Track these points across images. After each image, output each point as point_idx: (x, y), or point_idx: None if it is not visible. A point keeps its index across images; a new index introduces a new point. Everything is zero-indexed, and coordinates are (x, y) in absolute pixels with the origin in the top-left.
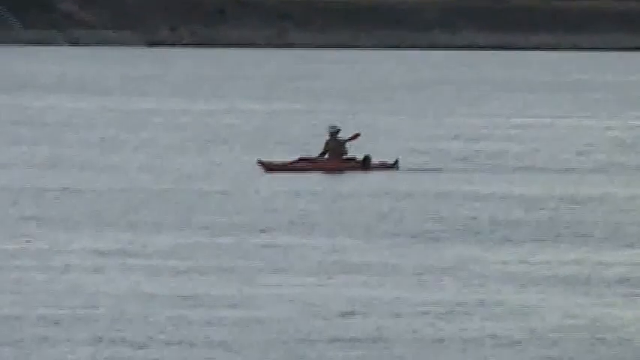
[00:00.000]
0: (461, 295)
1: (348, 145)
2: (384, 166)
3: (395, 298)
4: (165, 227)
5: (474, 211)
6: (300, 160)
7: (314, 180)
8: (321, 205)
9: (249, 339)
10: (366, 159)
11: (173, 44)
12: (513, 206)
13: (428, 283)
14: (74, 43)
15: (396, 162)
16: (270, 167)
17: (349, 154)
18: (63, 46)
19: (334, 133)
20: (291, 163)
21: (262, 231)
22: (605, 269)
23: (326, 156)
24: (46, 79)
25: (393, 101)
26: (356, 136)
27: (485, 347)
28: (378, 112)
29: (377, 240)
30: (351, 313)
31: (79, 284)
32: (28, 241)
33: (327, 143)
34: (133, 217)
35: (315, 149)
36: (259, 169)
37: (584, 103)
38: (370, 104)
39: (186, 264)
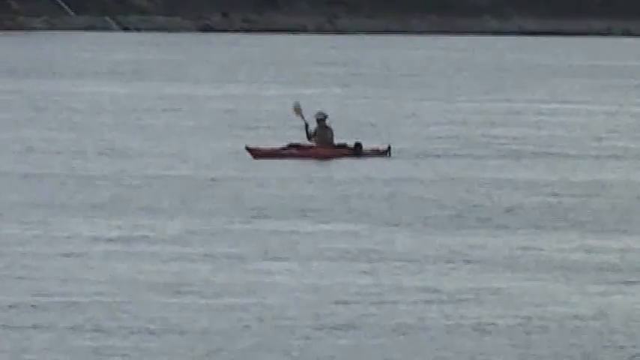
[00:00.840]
0: (462, 283)
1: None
2: (377, 153)
3: (394, 285)
4: (161, 214)
5: (485, 198)
6: (290, 146)
7: (313, 166)
8: (329, 191)
9: (247, 326)
10: (358, 145)
11: (224, 30)
12: (526, 192)
13: (429, 270)
14: (126, 29)
15: (389, 148)
16: (258, 153)
17: (340, 141)
18: (115, 32)
19: (321, 119)
20: (280, 149)
21: (257, 217)
22: (618, 257)
23: (313, 142)
24: (92, 64)
25: (429, 87)
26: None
27: (486, 334)
28: (409, 98)
29: (383, 227)
30: (348, 301)
31: (71, 270)
32: (33, 227)
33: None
34: (130, 204)
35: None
36: (247, 156)
37: (626, 90)
38: (404, 89)
39: (181, 250)
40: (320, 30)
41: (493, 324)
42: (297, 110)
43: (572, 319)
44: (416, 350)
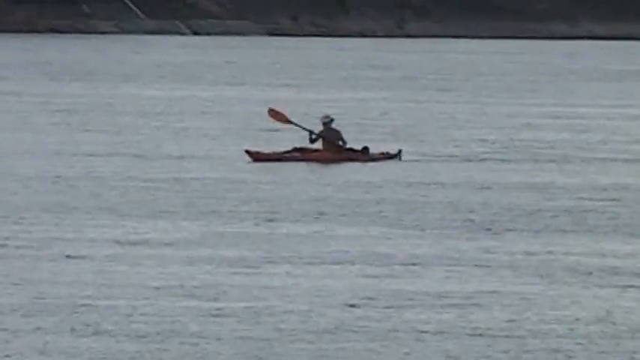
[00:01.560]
0: (472, 287)
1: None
2: (386, 157)
3: (403, 289)
4: (169, 217)
5: (507, 201)
6: (294, 150)
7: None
8: (341, 194)
9: (253, 330)
10: (365, 149)
11: (294, 34)
12: (546, 196)
13: (442, 274)
14: (196, 32)
15: (399, 152)
16: (257, 157)
17: (344, 145)
18: (185, 35)
19: (327, 123)
20: (283, 152)
21: (270, 220)
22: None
23: (319, 146)
24: (152, 68)
25: (479, 90)
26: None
27: (497, 338)
28: (457, 101)
29: (394, 231)
30: (357, 305)
31: (77, 272)
32: (44, 230)
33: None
34: (141, 207)
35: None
36: (247, 159)
37: None
38: (453, 93)
39: (187, 254)
40: (388, 34)
41: (507, 329)
42: (277, 117)
43: (584, 323)
44: (425, 355)
